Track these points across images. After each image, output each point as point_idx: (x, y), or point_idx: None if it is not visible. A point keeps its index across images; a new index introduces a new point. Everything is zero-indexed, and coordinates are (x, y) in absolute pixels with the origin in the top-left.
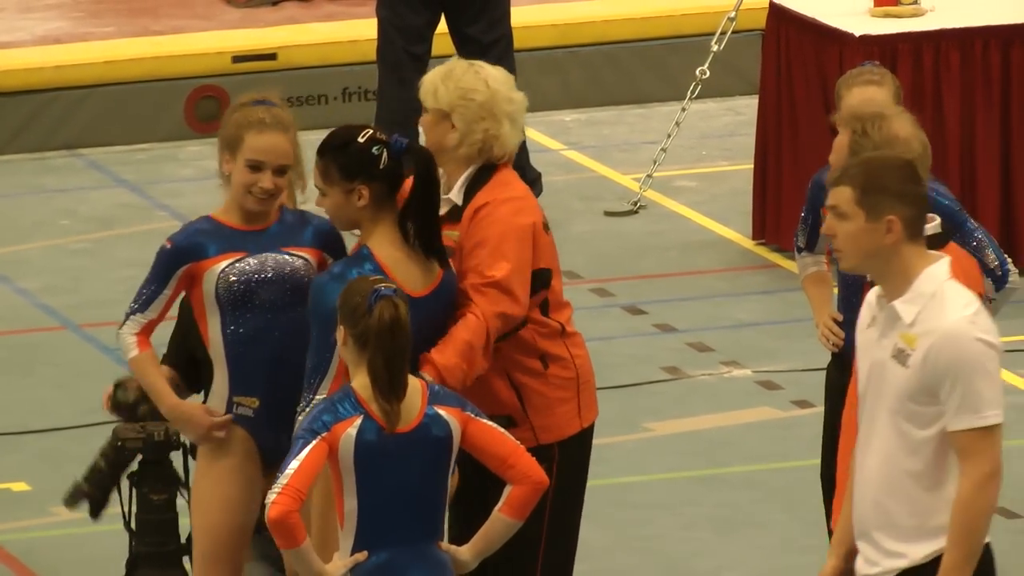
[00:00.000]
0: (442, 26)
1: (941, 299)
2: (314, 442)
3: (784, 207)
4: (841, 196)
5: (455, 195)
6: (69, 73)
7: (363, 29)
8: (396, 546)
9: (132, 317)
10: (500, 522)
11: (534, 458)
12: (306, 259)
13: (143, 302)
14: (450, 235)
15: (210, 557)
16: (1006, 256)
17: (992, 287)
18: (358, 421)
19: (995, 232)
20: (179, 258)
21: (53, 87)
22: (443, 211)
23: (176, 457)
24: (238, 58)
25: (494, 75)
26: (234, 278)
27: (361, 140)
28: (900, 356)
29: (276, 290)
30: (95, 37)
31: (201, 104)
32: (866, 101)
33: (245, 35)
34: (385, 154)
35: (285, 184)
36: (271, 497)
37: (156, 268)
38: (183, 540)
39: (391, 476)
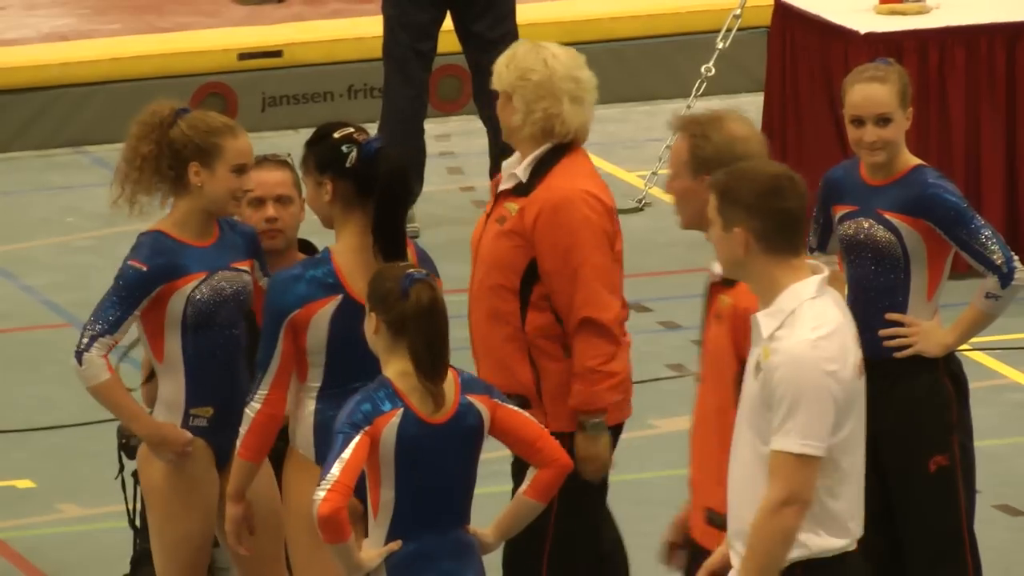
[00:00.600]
0: (448, 23)
1: (796, 318)
2: (357, 437)
3: None
4: (710, 201)
5: (521, 171)
6: (75, 70)
7: (369, 26)
8: (429, 534)
9: (100, 339)
10: (524, 504)
11: (558, 442)
12: (248, 272)
13: (112, 323)
14: (509, 207)
15: (187, 565)
16: (1012, 253)
17: (998, 284)
18: (399, 413)
19: (1000, 228)
20: (154, 281)
21: (58, 84)
22: (508, 185)
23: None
24: (244, 55)
25: (556, 54)
26: (200, 299)
27: (336, 136)
28: (756, 369)
29: (233, 307)
30: (101, 34)
31: (207, 101)
32: (867, 98)
33: (251, 32)
34: (354, 153)
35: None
36: (320, 494)
37: (128, 290)
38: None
39: (428, 467)
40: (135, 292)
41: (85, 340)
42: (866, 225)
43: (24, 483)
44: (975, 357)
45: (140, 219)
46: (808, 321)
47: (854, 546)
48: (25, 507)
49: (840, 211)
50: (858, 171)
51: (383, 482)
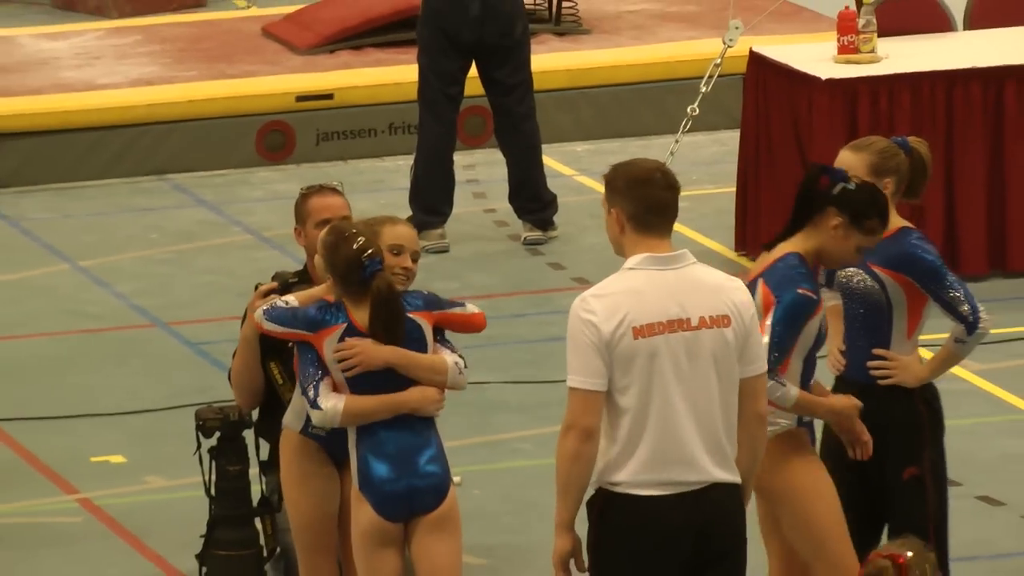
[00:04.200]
0: (473, 71)
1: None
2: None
3: (761, 223)
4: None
5: None
6: (158, 110)
7: (406, 73)
8: (388, 427)
9: (319, 386)
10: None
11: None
12: None
13: (313, 364)
14: None
15: (310, 547)
16: (979, 305)
17: (964, 332)
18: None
19: (939, 247)
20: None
21: (145, 122)
22: None
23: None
24: (301, 97)
25: None
26: None
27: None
28: None
29: None
30: (180, 80)
31: (269, 136)
32: (840, 162)
33: (306, 78)
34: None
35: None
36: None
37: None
38: (254, 504)
39: (377, 374)
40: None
41: (311, 394)
42: (857, 275)
43: (116, 459)
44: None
45: (215, 235)
46: (600, 284)
47: (657, 491)
48: (117, 479)
49: None
50: None
51: (343, 383)
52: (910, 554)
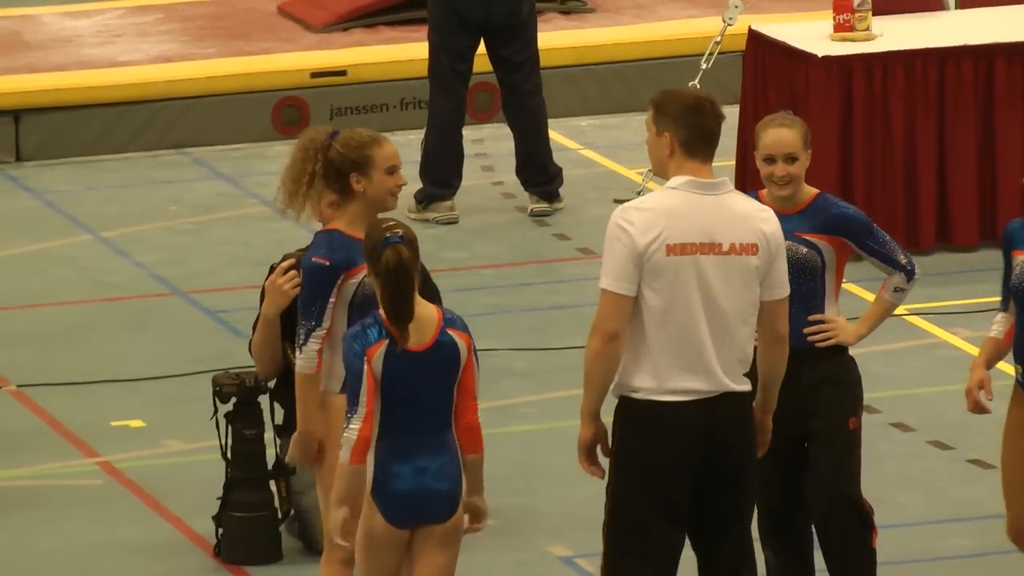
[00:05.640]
0: (482, 48)
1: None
2: (362, 369)
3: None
4: (648, 112)
5: None
6: (178, 86)
7: (417, 50)
8: (409, 433)
9: (313, 333)
10: (467, 460)
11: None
12: None
13: (316, 316)
14: None
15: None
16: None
17: (904, 279)
18: (385, 344)
19: (932, 219)
20: (336, 272)
21: (165, 98)
22: None
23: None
24: (315, 74)
25: None
26: (367, 285)
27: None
28: None
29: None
30: (199, 56)
31: (285, 112)
32: (777, 140)
33: (321, 55)
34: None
35: None
36: (355, 425)
37: (318, 284)
38: (269, 467)
39: (408, 383)
40: (324, 284)
41: (302, 336)
42: (788, 248)
43: (136, 423)
44: (913, 321)
45: (232, 207)
46: (643, 197)
47: (675, 397)
48: (136, 442)
49: None
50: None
51: (371, 393)
52: None
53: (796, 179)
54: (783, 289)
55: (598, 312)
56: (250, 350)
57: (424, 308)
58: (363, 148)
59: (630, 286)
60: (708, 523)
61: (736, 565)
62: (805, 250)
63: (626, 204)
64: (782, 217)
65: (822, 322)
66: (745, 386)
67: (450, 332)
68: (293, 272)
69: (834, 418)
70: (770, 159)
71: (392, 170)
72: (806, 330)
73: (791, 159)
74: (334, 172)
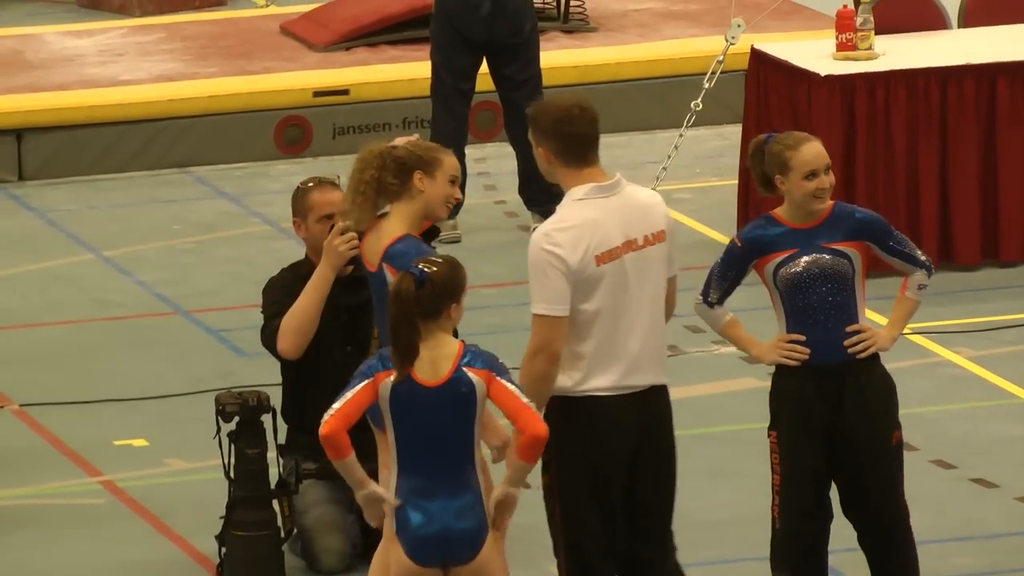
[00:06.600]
0: (484, 67)
1: (556, 212)
2: (363, 383)
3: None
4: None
5: None
6: (180, 105)
7: (420, 69)
8: (424, 475)
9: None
10: (516, 464)
11: (537, 415)
12: None
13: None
14: None
15: None
16: None
17: (925, 275)
18: (395, 373)
19: (934, 237)
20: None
21: (167, 117)
22: None
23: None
24: (318, 93)
25: None
26: None
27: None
28: None
29: None
30: (201, 76)
31: (287, 131)
32: (816, 154)
33: (323, 74)
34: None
35: None
36: (325, 418)
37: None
38: (272, 486)
39: (418, 420)
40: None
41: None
42: (818, 261)
43: (139, 442)
44: (916, 340)
45: (235, 226)
46: (557, 214)
47: (613, 392)
48: (139, 461)
49: (774, 259)
50: (776, 222)
51: (388, 426)
52: None
53: (833, 188)
54: (676, 265)
55: (538, 336)
56: (264, 334)
57: (445, 344)
58: (432, 151)
59: (566, 306)
60: (635, 513)
61: (654, 554)
62: (836, 260)
63: (545, 228)
64: (806, 231)
65: (858, 332)
66: (666, 378)
67: (466, 370)
68: (351, 234)
69: (878, 435)
70: (812, 174)
71: (454, 180)
72: (847, 342)
73: (828, 168)
74: (398, 167)
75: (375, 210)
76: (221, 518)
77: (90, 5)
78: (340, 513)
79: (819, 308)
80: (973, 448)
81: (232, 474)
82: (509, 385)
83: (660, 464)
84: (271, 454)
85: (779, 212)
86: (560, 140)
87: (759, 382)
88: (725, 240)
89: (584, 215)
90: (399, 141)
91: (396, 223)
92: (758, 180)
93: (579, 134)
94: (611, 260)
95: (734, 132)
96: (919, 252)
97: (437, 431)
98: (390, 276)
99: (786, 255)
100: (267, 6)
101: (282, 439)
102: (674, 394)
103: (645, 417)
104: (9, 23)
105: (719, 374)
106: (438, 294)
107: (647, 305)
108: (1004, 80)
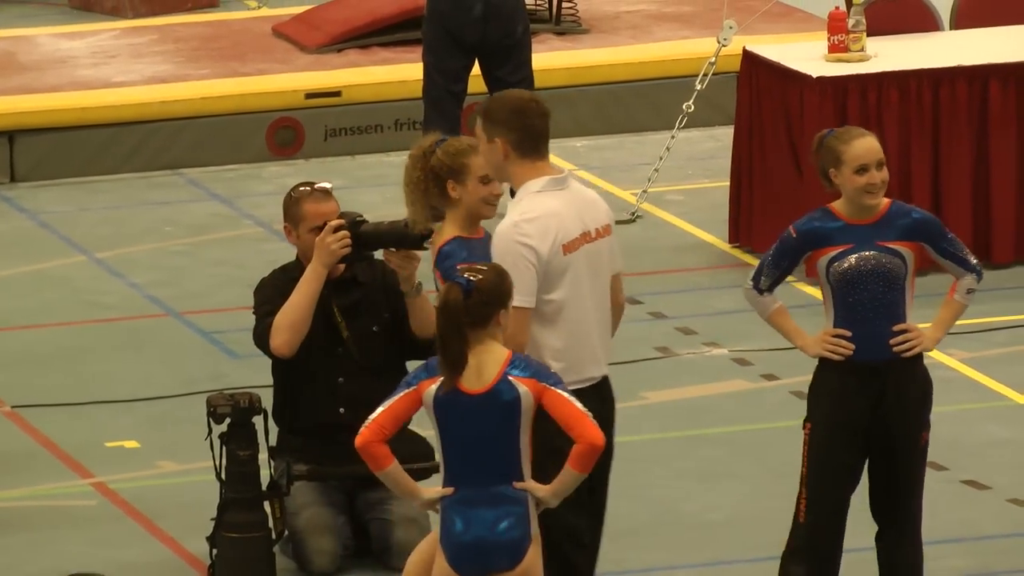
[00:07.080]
0: (476, 69)
1: (515, 205)
2: (404, 391)
3: (755, 216)
4: (477, 122)
5: None
6: (172, 107)
7: (412, 71)
8: (471, 484)
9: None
10: (568, 473)
11: (594, 423)
12: None
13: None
14: None
15: None
16: None
17: (975, 280)
18: (439, 380)
19: None
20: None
21: (159, 119)
22: None
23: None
24: (310, 95)
25: None
26: None
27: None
28: None
29: None
30: (193, 77)
31: (279, 132)
32: (869, 148)
33: (315, 76)
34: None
35: None
36: (361, 429)
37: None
38: (263, 488)
39: (463, 427)
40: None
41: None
42: (872, 259)
43: (131, 443)
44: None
45: (227, 228)
46: (521, 207)
47: (580, 385)
48: (131, 463)
49: (828, 252)
50: (833, 216)
51: (437, 434)
52: None
53: (886, 184)
54: (622, 262)
55: (507, 328)
56: (257, 333)
57: (492, 351)
58: (461, 156)
59: (534, 298)
60: (599, 507)
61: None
62: (890, 258)
63: (513, 219)
64: (862, 228)
65: (905, 331)
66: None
67: (512, 378)
68: (344, 232)
69: (912, 435)
70: (863, 168)
71: (486, 179)
72: (892, 341)
73: (881, 164)
74: (434, 179)
75: (427, 210)
76: (212, 520)
77: (82, 7)
78: (331, 515)
79: (869, 305)
80: (965, 450)
81: (223, 476)
82: (563, 393)
83: (609, 459)
84: (263, 456)
85: (836, 206)
86: (518, 132)
87: (751, 384)
88: (717, 242)
89: (548, 204)
90: (432, 143)
91: (447, 226)
92: (820, 174)
93: (536, 126)
94: (575, 250)
95: (726, 134)
96: (971, 256)
97: (480, 439)
98: (438, 282)
99: (840, 250)
100: (259, 8)
101: (274, 441)
102: (666, 396)
103: (599, 407)
104: (1, 25)
105: (711, 376)
106: (486, 302)
107: (601, 296)
108: (996, 82)
